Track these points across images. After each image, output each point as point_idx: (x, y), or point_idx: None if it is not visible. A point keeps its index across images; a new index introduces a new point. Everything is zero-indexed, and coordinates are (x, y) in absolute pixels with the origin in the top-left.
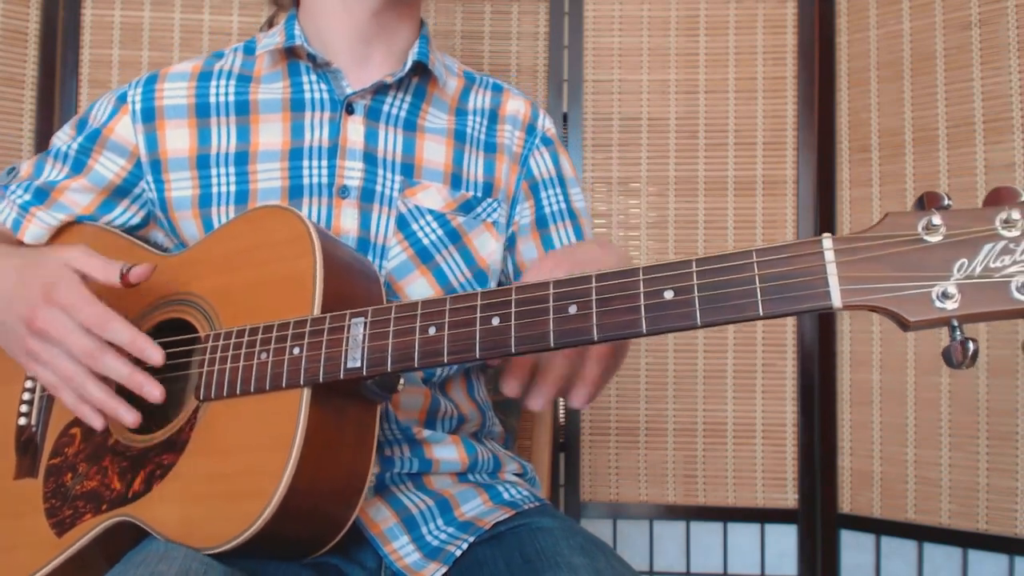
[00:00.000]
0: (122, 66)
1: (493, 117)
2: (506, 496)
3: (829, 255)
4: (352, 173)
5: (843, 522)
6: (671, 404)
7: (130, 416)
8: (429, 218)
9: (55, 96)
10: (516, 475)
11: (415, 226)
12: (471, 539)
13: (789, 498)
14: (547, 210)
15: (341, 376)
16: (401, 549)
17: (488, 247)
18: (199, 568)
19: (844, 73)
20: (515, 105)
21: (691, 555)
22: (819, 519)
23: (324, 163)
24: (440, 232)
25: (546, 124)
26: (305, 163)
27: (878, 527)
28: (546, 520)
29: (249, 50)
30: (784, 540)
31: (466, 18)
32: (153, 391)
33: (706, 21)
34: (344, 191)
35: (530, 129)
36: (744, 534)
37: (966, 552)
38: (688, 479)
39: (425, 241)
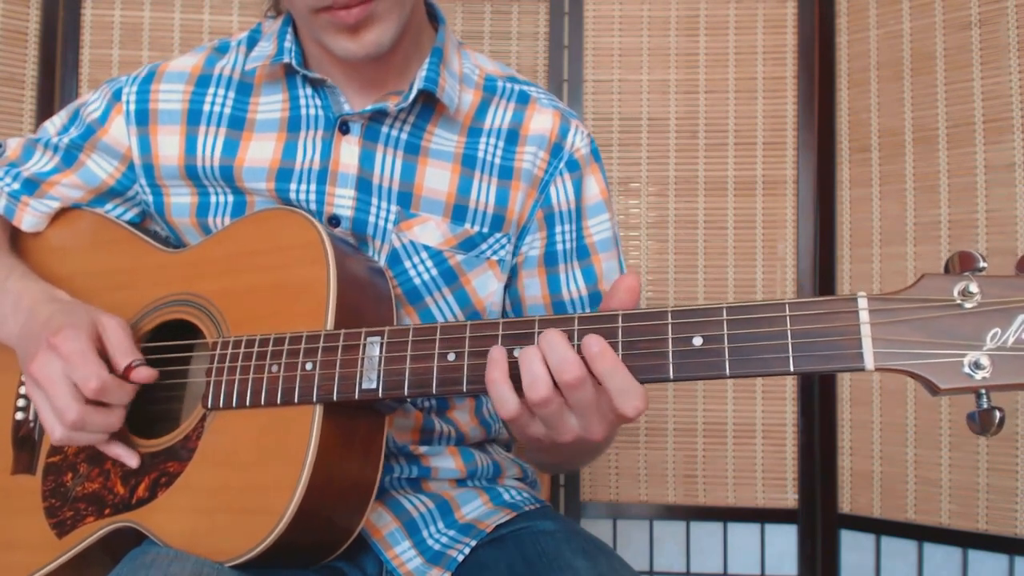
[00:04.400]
0: (122, 66)
1: (512, 137)
2: (506, 497)
3: (864, 315)
4: (343, 201)
5: (843, 522)
6: (671, 404)
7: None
8: (424, 255)
9: (55, 96)
10: (516, 479)
11: (408, 263)
12: (473, 543)
13: (789, 498)
14: (559, 247)
15: (356, 397)
16: (403, 555)
17: (488, 287)
18: (211, 572)
19: (844, 73)
20: (541, 121)
21: (691, 555)
22: (819, 519)
23: (312, 187)
24: (435, 271)
25: (576, 143)
26: (293, 186)
27: (878, 527)
28: (547, 522)
29: (253, 43)
30: (784, 540)
31: (466, 18)
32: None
33: (706, 21)
34: (335, 220)
35: (555, 150)
36: (744, 534)
37: (966, 552)
38: (688, 479)
39: (416, 281)
